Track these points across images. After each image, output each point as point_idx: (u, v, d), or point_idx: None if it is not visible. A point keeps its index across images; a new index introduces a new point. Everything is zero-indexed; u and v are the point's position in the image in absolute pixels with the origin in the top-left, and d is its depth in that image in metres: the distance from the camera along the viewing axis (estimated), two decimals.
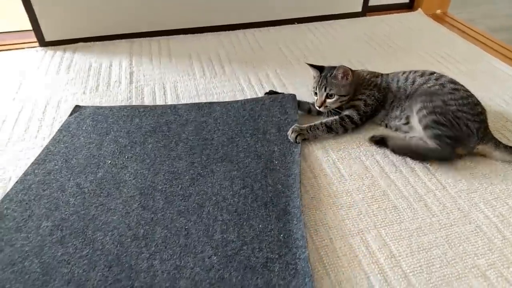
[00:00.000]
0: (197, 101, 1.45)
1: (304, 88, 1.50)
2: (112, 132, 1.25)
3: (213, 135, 1.25)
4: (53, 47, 1.84)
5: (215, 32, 2.00)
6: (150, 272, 0.83)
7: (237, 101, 1.41)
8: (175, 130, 1.27)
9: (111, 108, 1.38)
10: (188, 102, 1.44)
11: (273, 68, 1.66)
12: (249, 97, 1.46)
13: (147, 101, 1.46)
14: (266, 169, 1.11)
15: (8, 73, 1.64)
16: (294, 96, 1.39)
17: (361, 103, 1.25)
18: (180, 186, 1.06)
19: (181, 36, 1.96)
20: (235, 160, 1.15)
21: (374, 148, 1.21)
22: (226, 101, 1.42)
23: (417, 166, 1.14)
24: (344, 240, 0.93)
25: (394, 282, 0.84)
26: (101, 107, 1.38)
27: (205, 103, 1.40)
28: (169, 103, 1.44)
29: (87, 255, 0.86)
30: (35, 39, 1.84)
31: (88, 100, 1.46)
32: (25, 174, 1.09)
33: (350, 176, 1.11)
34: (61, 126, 1.28)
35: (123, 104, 1.44)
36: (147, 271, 0.83)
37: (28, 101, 1.45)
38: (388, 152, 1.19)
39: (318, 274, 0.85)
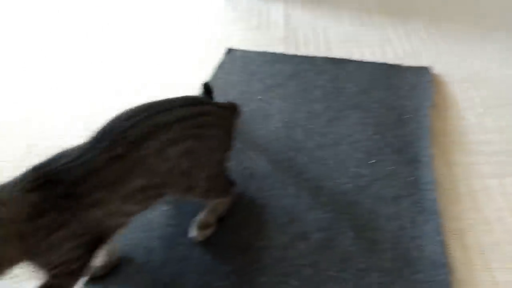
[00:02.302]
0: (346, 46, 1.57)
1: (454, 43, 1.52)
2: (259, 74, 1.44)
3: (347, 85, 1.36)
4: None
5: None
6: (296, 187, 1.01)
7: (371, 63, 1.48)
8: (312, 78, 1.41)
9: (256, 53, 1.56)
10: (338, 46, 1.57)
11: (422, 22, 1.68)
12: (397, 47, 1.54)
13: (301, 41, 1.61)
14: (399, 121, 1.20)
15: (186, 9, 1.89)
16: (429, 68, 1.41)
17: None
18: (318, 124, 1.20)
19: None
20: (368, 109, 1.25)
21: None
22: (360, 61, 1.49)
23: None
24: (481, 180, 1.02)
25: None
26: (249, 51, 1.57)
27: (339, 58, 1.50)
28: (321, 44, 1.59)
29: (247, 168, 1.07)
30: None
31: (252, 36, 1.67)
32: None
33: (494, 129, 1.16)
34: (218, 65, 1.50)
35: (280, 42, 1.62)
36: (293, 186, 1.01)
37: (206, 32, 1.70)
38: None
39: (452, 200, 0.97)
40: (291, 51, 1.57)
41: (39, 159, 0.67)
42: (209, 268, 0.84)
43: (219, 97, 1.33)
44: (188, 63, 1.51)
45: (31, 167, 0.65)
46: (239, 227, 0.92)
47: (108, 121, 0.73)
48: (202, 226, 0.89)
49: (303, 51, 1.57)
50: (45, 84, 1.41)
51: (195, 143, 0.77)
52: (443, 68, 1.41)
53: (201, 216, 0.90)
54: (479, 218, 0.92)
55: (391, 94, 1.30)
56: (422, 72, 1.39)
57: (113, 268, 0.83)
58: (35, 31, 1.71)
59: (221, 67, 1.48)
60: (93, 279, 0.82)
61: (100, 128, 0.71)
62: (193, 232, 0.89)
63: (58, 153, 0.68)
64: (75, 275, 0.70)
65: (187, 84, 1.41)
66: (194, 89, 1.36)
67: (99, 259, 0.82)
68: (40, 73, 1.46)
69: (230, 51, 1.57)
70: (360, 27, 1.67)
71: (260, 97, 1.32)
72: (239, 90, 1.36)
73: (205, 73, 1.43)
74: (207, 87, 1.08)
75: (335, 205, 0.96)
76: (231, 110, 0.95)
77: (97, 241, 0.71)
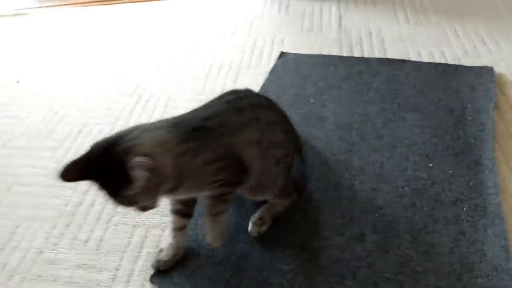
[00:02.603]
0: (401, 46, 1.55)
1: None
2: (312, 76, 1.46)
3: (404, 86, 1.34)
4: None
5: None
6: (351, 189, 1.02)
7: (429, 63, 1.45)
8: (367, 79, 1.40)
9: (309, 56, 1.58)
10: (393, 46, 1.56)
11: (482, 20, 1.61)
12: (455, 47, 1.50)
13: (354, 43, 1.61)
14: (458, 123, 1.17)
15: (240, 15, 1.95)
16: (492, 68, 1.36)
17: None
18: (373, 127, 1.20)
19: None
20: (425, 111, 1.23)
21: None
22: (417, 61, 1.46)
23: None
24: None
25: None
26: (301, 54, 1.60)
27: (395, 59, 1.48)
28: (375, 45, 1.58)
29: (300, 169, 1.10)
30: None
31: (306, 38, 1.70)
32: None
33: None
34: (271, 69, 1.54)
35: (333, 44, 1.63)
36: (348, 188, 1.03)
37: (259, 37, 1.75)
38: None
39: None
40: (344, 53, 1.57)
41: None
42: (267, 265, 0.89)
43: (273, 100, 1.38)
44: (243, 68, 1.57)
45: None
46: (297, 227, 0.96)
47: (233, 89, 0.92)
48: (258, 223, 0.95)
49: (357, 52, 1.56)
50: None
51: (286, 140, 0.90)
52: (505, 67, 1.35)
53: (257, 213, 0.96)
54: None
55: (450, 95, 1.27)
56: (483, 72, 1.34)
57: (178, 262, 0.90)
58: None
59: (275, 70, 1.52)
60: (160, 272, 0.89)
61: (227, 90, 0.90)
62: (250, 228, 0.95)
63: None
64: (230, 189, 0.84)
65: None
66: None
67: (164, 253, 0.89)
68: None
69: (282, 55, 1.61)
70: (416, 26, 1.64)
71: (312, 100, 1.34)
72: (293, 93, 1.39)
73: (259, 77, 1.48)
74: None
75: (391, 208, 0.96)
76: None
77: (236, 166, 0.82)
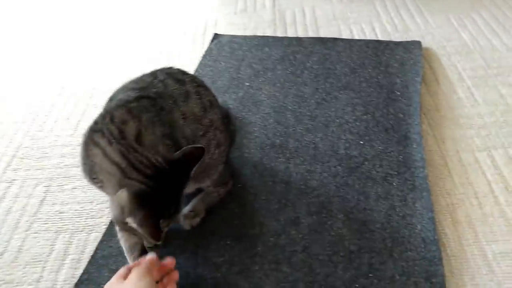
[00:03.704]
0: (334, 25, 1.55)
1: (443, 16, 1.51)
2: (246, 59, 1.42)
3: (336, 65, 1.34)
4: None
5: None
6: (286, 172, 1.01)
7: (360, 40, 1.46)
8: (301, 60, 1.39)
9: (244, 37, 1.54)
10: (326, 25, 1.56)
11: None
12: (384, 23, 1.53)
13: (289, 22, 1.59)
14: (388, 99, 1.19)
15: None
16: (419, 42, 1.39)
17: None
18: (307, 108, 1.19)
19: None
20: (357, 89, 1.24)
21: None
22: (349, 39, 1.47)
23: None
24: (471, 153, 1.02)
25: None
26: (236, 36, 1.55)
27: (328, 38, 1.48)
28: (308, 25, 1.57)
29: (237, 157, 1.07)
30: None
31: (239, 19, 1.65)
32: None
33: (484, 102, 1.16)
34: (205, 53, 1.48)
35: (268, 24, 1.60)
36: (284, 171, 1.01)
37: (191, 19, 1.67)
38: None
39: (442, 175, 0.98)
40: (279, 33, 1.55)
41: None
42: (201, 260, 0.85)
43: (208, 85, 1.32)
44: (175, 52, 1.50)
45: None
46: (232, 216, 0.92)
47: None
48: (190, 215, 0.90)
49: (291, 32, 1.54)
50: None
51: (224, 125, 0.89)
52: (433, 41, 1.39)
53: (189, 205, 0.91)
54: (470, 192, 0.92)
55: (380, 71, 1.29)
56: (411, 47, 1.37)
57: None
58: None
59: (208, 53, 1.47)
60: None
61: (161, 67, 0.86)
62: (181, 221, 0.89)
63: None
64: None
65: None
66: None
67: None
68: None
69: (216, 37, 1.55)
70: (349, 3, 1.64)
71: (247, 83, 1.30)
72: (228, 77, 1.34)
73: (193, 61, 1.42)
74: None
75: (325, 188, 0.96)
76: None
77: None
